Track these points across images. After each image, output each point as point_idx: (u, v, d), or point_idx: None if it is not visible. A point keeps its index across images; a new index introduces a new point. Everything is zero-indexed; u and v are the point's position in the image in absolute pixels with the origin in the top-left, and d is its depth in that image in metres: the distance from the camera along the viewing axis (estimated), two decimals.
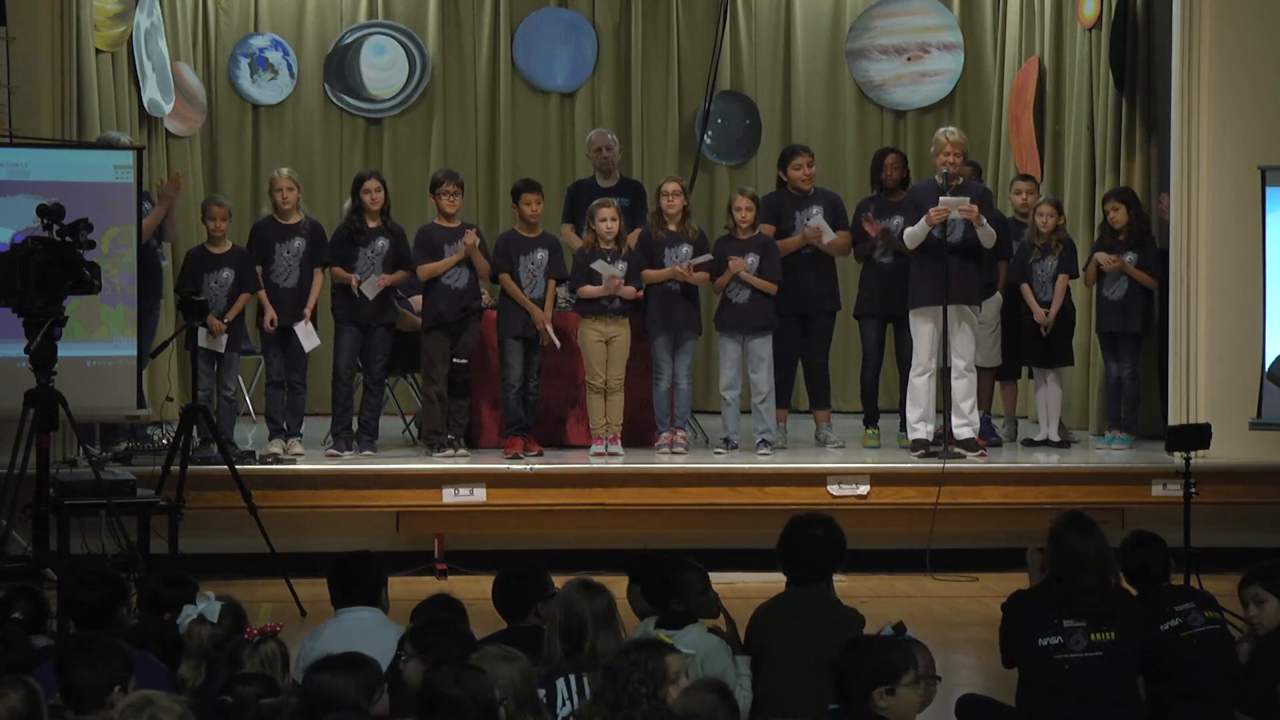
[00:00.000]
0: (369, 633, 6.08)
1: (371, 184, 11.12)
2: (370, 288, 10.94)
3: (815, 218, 11.47)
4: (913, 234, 11.09)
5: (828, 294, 11.66)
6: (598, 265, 10.94)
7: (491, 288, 11.39)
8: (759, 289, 11.12)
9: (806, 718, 5.66)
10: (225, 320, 10.86)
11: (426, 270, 11.01)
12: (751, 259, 11.13)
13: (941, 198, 10.93)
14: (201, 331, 10.56)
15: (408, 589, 6.32)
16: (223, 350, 10.91)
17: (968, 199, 10.98)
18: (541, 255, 11.06)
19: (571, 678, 5.44)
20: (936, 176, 11.13)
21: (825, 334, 11.78)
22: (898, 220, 11.39)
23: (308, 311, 11.03)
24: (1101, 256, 11.53)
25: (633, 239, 11.32)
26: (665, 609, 6.15)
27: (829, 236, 11.43)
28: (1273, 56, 11.33)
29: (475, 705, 4.59)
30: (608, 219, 11.03)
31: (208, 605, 5.69)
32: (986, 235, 11.08)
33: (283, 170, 11.42)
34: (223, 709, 4.99)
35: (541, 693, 5.22)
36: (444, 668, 4.76)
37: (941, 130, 11.44)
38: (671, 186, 11.26)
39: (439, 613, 5.95)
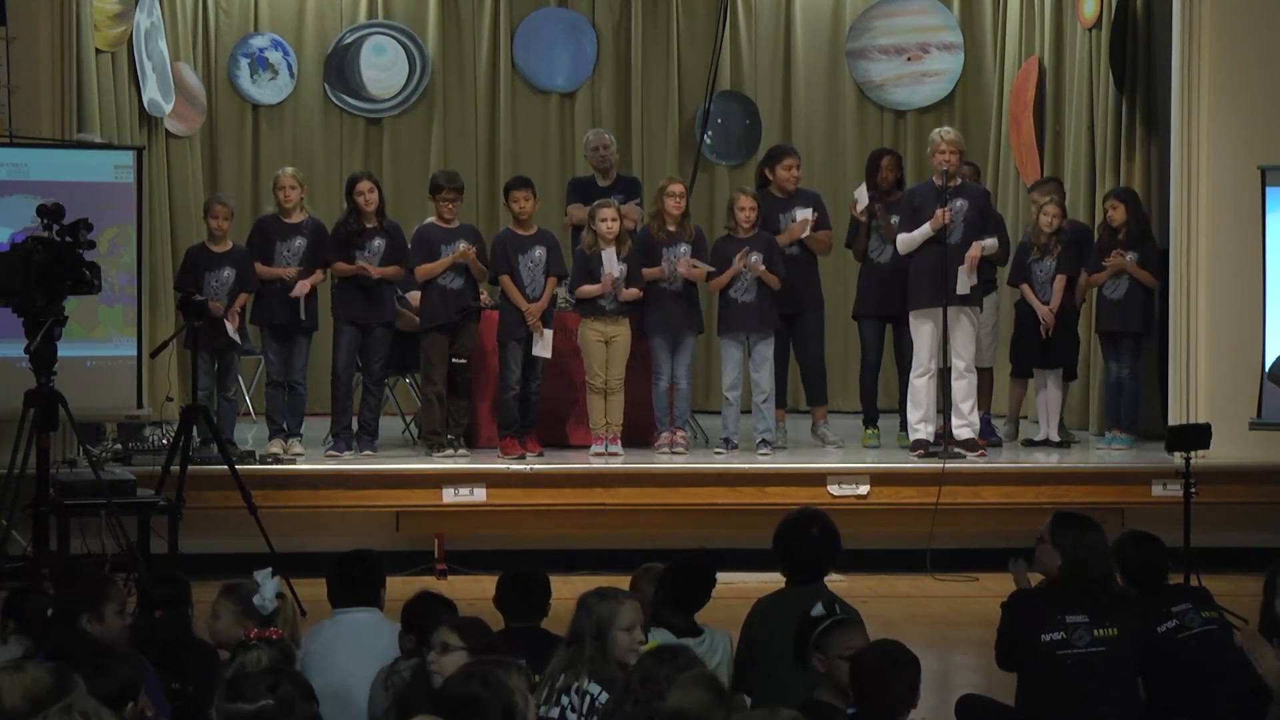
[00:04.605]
0: (367, 632, 6.09)
1: (364, 185, 11.11)
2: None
3: (804, 212, 11.49)
4: (908, 239, 11.12)
5: (811, 291, 11.65)
6: (606, 255, 10.93)
7: (492, 289, 11.39)
8: (765, 284, 11.12)
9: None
10: (225, 319, 10.86)
11: (423, 271, 11.01)
12: (756, 257, 11.13)
13: (959, 270, 10.97)
14: (229, 325, 10.72)
15: (408, 589, 6.31)
16: (240, 342, 10.94)
17: (991, 239, 11.13)
18: (540, 253, 11.05)
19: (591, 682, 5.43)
20: (935, 177, 11.15)
21: (816, 330, 11.76)
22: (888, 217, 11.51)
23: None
24: (1108, 261, 11.53)
25: (632, 211, 11.39)
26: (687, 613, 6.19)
27: (808, 230, 11.45)
28: (1273, 56, 11.33)
29: (500, 706, 4.61)
30: (608, 219, 11.04)
31: (267, 582, 5.73)
32: (990, 247, 11.18)
33: (287, 169, 11.45)
34: (224, 714, 4.94)
35: (565, 700, 5.27)
36: (469, 669, 4.77)
37: (937, 130, 11.47)
38: (678, 188, 11.28)
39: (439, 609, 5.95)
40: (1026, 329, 11.79)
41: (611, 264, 10.94)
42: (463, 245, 10.98)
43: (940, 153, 11.10)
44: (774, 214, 11.54)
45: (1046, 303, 11.53)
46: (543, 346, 11.00)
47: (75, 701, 4.44)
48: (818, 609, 5.59)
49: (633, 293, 11.03)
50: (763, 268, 11.09)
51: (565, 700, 5.33)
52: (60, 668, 4.70)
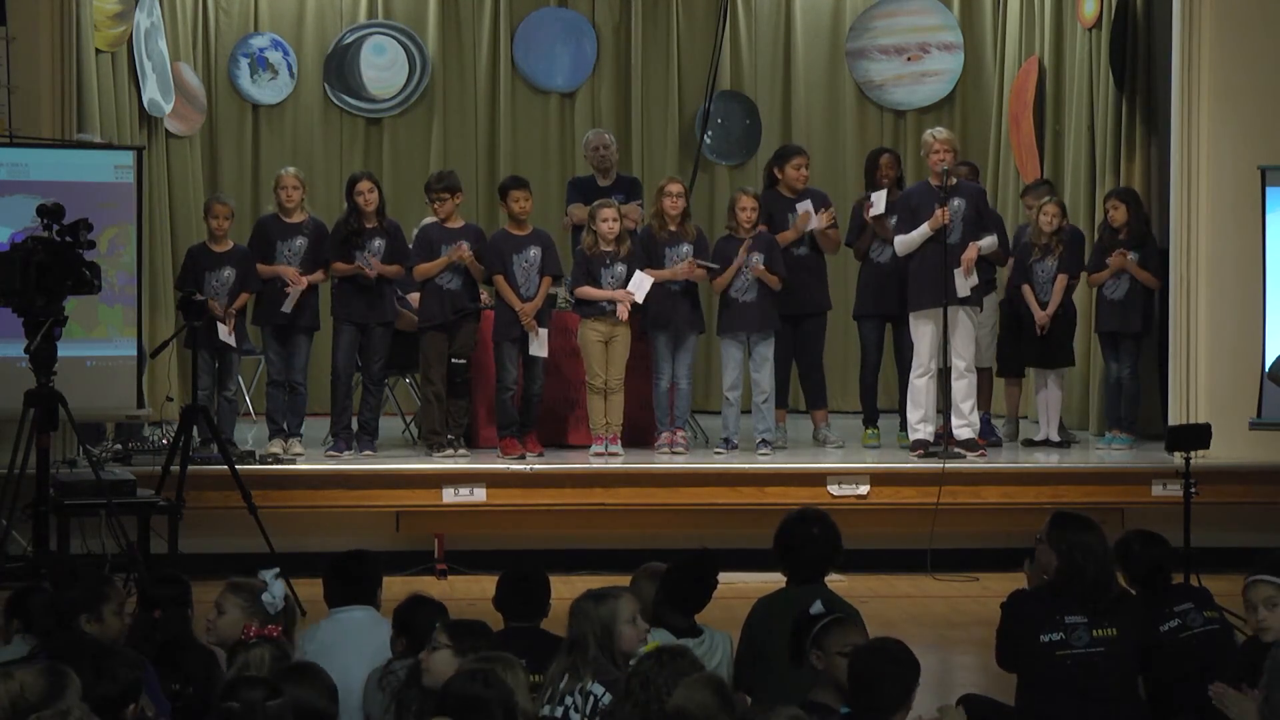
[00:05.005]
0: (363, 632, 6.09)
1: (364, 185, 11.11)
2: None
3: (803, 204, 11.50)
4: (906, 241, 11.13)
5: (819, 294, 11.67)
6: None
7: (491, 289, 11.39)
8: (765, 285, 11.12)
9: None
10: (221, 321, 10.85)
11: (421, 271, 11.02)
12: (757, 257, 11.13)
13: (962, 263, 10.97)
14: (222, 328, 10.69)
15: (408, 589, 6.32)
16: (235, 345, 10.93)
17: (989, 238, 11.17)
18: (535, 253, 11.04)
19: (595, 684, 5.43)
20: (931, 179, 11.16)
21: (818, 334, 11.78)
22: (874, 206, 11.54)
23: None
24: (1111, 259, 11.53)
25: (633, 211, 11.36)
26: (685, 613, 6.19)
27: (814, 223, 11.46)
28: (1273, 56, 11.33)
29: (502, 706, 4.62)
30: (609, 219, 11.04)
31: (274, 582, 5.81)
32: (988, 247, 11.16)
33: (289, 169, 11.46)
34: (228, 715, 4.92)
35: (569, 700, 5.28)
36: (471, 669, 4.78)
37: (928, 132, 11.53)
38: (675, 188, 11.29)
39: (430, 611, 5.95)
40: (1014, 329, 11.79)
41: (640, 288, 10.91)
42: (463, 246, 10.98)
43: (935, 153, 11.13)
44: (782, 213, 11.54)
45: (1046, 304, 11.52)
46: (538, 346, 10.99)
47: (68, 708, 4.44)
48: (816, 606, 5.59)
49: (623, 310, 11.00)
50: (763, 267, 11.09)
51: (569, 700, 5.33)
52: (54, 670, 4.69)
